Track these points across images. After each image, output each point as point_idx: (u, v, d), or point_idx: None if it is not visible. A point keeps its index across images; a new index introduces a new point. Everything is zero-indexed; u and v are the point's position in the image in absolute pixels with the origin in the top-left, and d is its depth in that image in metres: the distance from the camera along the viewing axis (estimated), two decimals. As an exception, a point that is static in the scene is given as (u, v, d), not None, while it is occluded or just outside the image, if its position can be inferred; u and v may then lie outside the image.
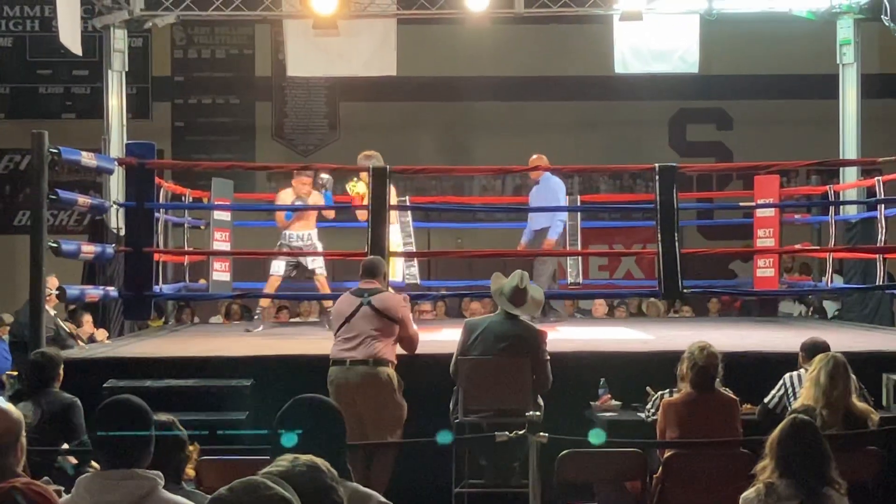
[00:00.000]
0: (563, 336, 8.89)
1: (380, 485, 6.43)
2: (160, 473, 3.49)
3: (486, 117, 16.55)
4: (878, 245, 10.30)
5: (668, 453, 6.06)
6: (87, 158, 8.93)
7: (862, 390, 6.33)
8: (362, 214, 9.99)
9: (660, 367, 6.83)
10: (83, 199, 9.47)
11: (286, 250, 10.33)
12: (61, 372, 6.65)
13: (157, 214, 9.99)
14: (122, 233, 10.23)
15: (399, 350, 7.19)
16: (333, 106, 17.05)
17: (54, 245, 8.23)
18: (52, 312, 9.46)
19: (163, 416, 4.06)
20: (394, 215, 9.50)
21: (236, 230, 11.29)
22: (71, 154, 8.54)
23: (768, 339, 9.14)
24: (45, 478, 4.39)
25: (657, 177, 8.96)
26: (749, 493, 4.36)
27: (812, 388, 5.92)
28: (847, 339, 8.66)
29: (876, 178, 10.73)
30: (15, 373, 8.39)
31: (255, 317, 10.82)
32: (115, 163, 9.86)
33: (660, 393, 6.56)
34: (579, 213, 11.66)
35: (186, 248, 11.70)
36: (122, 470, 3.45)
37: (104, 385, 7.02)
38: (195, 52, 17.09)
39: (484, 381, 6.87)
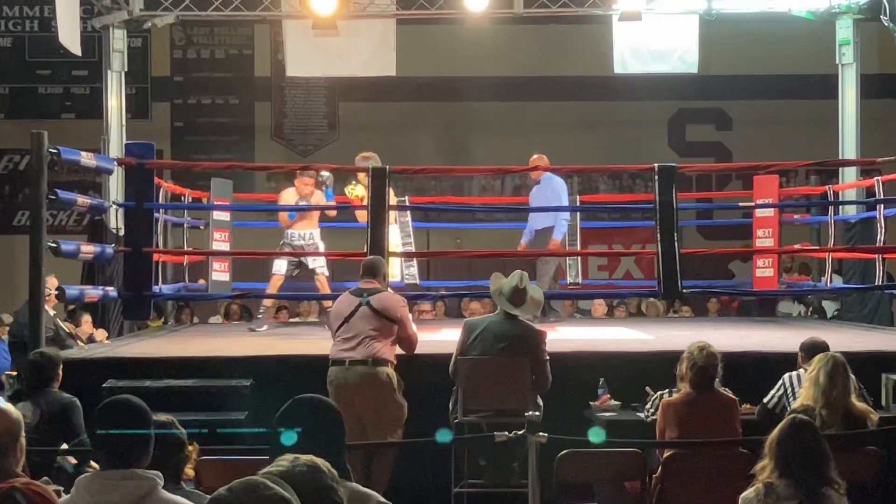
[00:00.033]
0: (563, 336, 8.90)
1: (380, 485, 6.43)
2: (159, 473, 3.49)
3: (485, 117, 16.55)
4: (877, 245, 10.30)
5: (668, 453, 6.06)
6: (87, 158, 8.93)
7: (861, 390, 6.33)
8: (362, 216, 10.01)
9: (659, 367, 6.83)
10: (82, 200, 9.47)
11: (288, 250, 10.35)
12: (60, 372, 6.65)
13: (156, 214, 9.99)
14: (122, 233, 10.22)
15: (398, 350, 7.19)
16: (333, 106, 17.05)
17: (53, 245, 8.23)
18: (52, 313, 9.46)
19: (162, 416, 4.05)
20: (392, 215, 9.50)
21: (236, 230, 11.29)
22: (70, 154, 8.54)
23: (767, 339, 9.14)
24: (45, 478, 4.39)
25: (656, 177, 8.96)
26: (748, 492, 4.36)
27: (811, 388, 5.92)
28: (846, 339, 8.66)
29: (875, 178, 10.73)
30: (14, 373, 8.39)
31: (259, 316, 10.83)
32: (115, 163, 9.86)
33: (659, 393, 6.56)
34: (578, 213, 11.66)
35: (186, 249, 11.69)
36: (122, 470, 3.45)
37: (103, 385, 7.01)
38: (194, 53, 17.09)
39: (483, 381, 6.87)
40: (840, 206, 11.66)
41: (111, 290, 9.48)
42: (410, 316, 7.62)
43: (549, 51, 16.26)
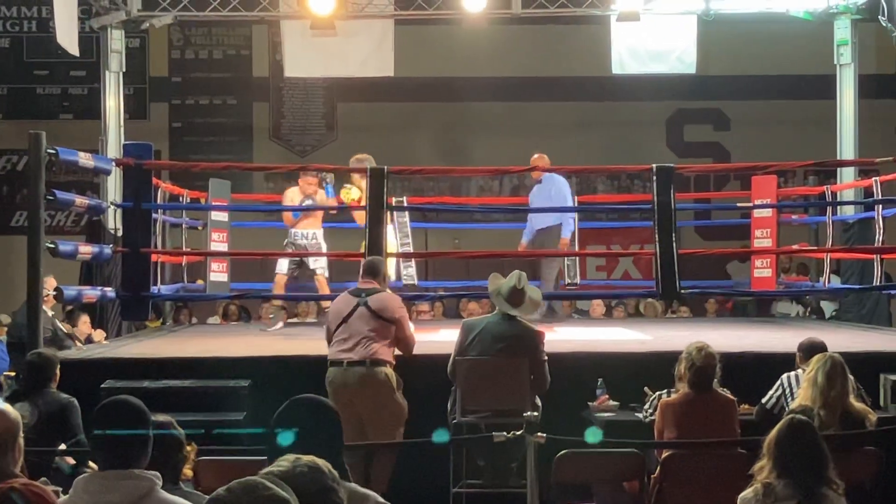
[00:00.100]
0: (561, 336, 8.90)
1: (379, 485, 6.43)
2: (158, 474, 3.49)
3: (483, 118, 16.55)
4: (875, 245, 10.31)
5: (666, 454, 6.06)
6: (85, 159, 8.93)
7: (859, 390, 6.33)
8: (360, 218, 10.02)
9: (658, 367, 6.83)
10: (80, 200, 9.47)
11: (291, 249, 10.39)
12: (58, 372, 6.65)
13: (154, 215, 9.98)
14: (120, 233, 10.24)
15: (397, 351, 7.18)
16: (331, 106, 17.05)
17: (52, 246, 8.22)
18: (50, 313, 9.46)
19: (160, 417, 4.05)
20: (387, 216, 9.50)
21: (234, 231, 11.30)
22: (68, 155, 8.54)
23: (766, 340, 9.14)
24: (43, 478, 4.39)
25: (654, 177, 8.96)
26: (747, 493, 4.36)
27: (810, 389, 5.92)
28: (844, 340, 8.66)
29: (873, 179, 10.73)
30: (13, 373, 8.38)
31: (271, 316, 10.85)
32: (113, 163, 9.85)
33: (658, 393, 6.55)
34: (576, 214, 11.65)
35: (184, 249, 11.69)
36: (120, 470, 3.45)
37: (102, 386, 7.00)
38: (192, 53, 17.08)
39: (482, 382, 6.87)
40: (838, 207, 11.66)
41: (109, 291, 9.47)
42: (409, 318, 7.62)
43: (547, 51, 16.26)
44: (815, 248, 11.89)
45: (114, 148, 11.64)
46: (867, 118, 12.61)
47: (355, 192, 10.12)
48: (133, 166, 9.32)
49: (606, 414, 7.03)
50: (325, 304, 10.13)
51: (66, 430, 6.38)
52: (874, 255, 10.32)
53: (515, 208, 13.41)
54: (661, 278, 8.82)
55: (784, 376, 6.63)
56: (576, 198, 12.70)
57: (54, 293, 8.99)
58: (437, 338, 8.89)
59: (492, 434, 5.97)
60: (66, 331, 9.82)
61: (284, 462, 2.55)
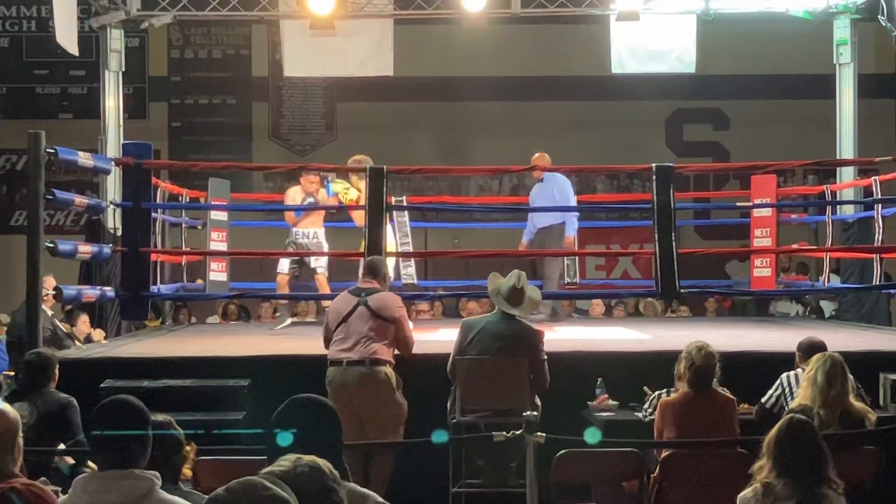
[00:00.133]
0: (561, 336, 8.89)
1: (379, 485, 6.43)
2: (157, 474, 3.49)
3: (483, 117, 16.55)
4: (874, 245, 10.31)
5: (666, 453, 6.06)
6: (84, 158, 8.92)
7: (859, 390, 6.32)
8: (358, 219, 10.06)
9: (657, 366, 6.83)
10: (80, 200, 9.47)
11: (292, 249, 10.41)
12: (57, 372, 6.65)
13: (153, 214, 9.98)
14: (119, 233, 10.23)
15: (396, 351, 7.18)
16: (330, 106, 17.04)
17: (51, 245, 8.22)
18: (50, 313, 9.45)
19: (160, 417, 4.05)
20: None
21: (233, 230, 11.30)
22: (67, 154, 8.53)
23: (765, 339, 9.14)
24: (43, 478, 4.39)
25: (654, 177, 8.96)
26: (746, 492, 4.36)
27: (809, 388, 5.92)
28: (844, 339, 8.66)
29: (873, 178, 10.73)
30: (12, 373, 8.39)
31: (278, 315, 10.87)
32: (112, 163, 9.85)
33: (657, 393, 6.55)
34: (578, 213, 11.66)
35: (183, 249, 11.69)
36: (120, 470, 3.45)
37: (101, 385, 7.00)
38: (192, 53, 17.08)
39: (481, 381, 6.86)
40: (838, 206, 11.66)
41: (109, 290, 9.47)
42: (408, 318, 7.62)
43: (546, 51, 16.26)
44: (815, 247, 11.90)
45: (113, 147, 11.64)
46: (866, 118, 12.61)
47: (353, 192, 10.17)
48: (132, 166, 9.32)
49: (606, 413, 7.03)
50: (326, 303, 10.15)
51: (65, 429, 6.38)
52: (874, 255, 10.32)
53: (515, 208, 13.42)
54: (660, 278, 8.82)
55: (784, 376, 6.63)
56: (575, 197, 12.73)
57: (54, 293, 8.99)
58: (437, 337, 8.89)
59: (491, 434, 5.96)
60: (65, 330, 9.82)
61: (285, 462, 2.55)
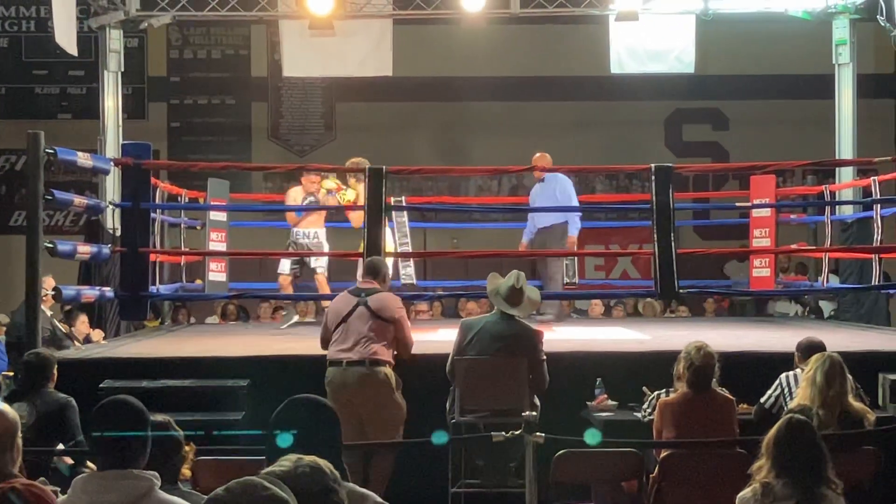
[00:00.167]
0: (560, 336, 8.89)
1: (379, 485, 6.43)
2: (156, 474, 3.50)
3: (482, 117, 16.55)
4: (873, 245, 10.31)
5: (665, 453, 6.06)
6: (83, 159, 8.92)
7: (858, 390, 6.32)
8: (356, 221, 10.08)
9: (656, 367, 6.83)
10: (79, 200, 9.46)
11: (293, 249, 10.42)
12: (55, 372, 6.65)
13: (153, 215, 9.98)
14: (118, 233, 10.23)
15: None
16: (329, 106, 17.04)
17: (50, 245, 8.22)
18: (49, 313, 9.45)
19: (159, 417, 4.06)
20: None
21: (232, 230, 11.30)
22: (67, 154, 8.53)
23: (765, 339, 9.14)
24: (42, 478, 4.39)
25: (653, 177, 8.96)
26: (745, 492, 4.36)
27: (808, 388, 5.92)
28: (843, 339, 8.66)
29: (872, 178, 10.73)
30: (11, 373, 8.38)
31: (284, 313, 10.89)
32: (111, 163, 9.85)
33: (656, 393, 6.55)
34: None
35: (182, 249, 11.69)
36: (119, 470, 3.45)
37: (100, 386, 7.00)
38: (191, 53, 17.08)
39: (480, 382, 6.86)
40: (837, 206, 11.66)
41: (108, 291, 9.47)
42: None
43: (545, 51, 16.26)
44: (814, 247, 11.91)
45: (112, 148, 11.64)
46: (866, 118, 12.61)
47: (350, 193, 10.20)
48: (132, 166, 9.32)
49: (605, 413, 7.03)
50: (325, 303, 10.16)
51: (64, 430, 6.38)
52: (873, 255, 10.32)
53: (514, 208, 13.41)
54: (659, 278, 8.82)
55: (783, 376, 6.63)
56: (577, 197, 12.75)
57: (53, 293, 8.99)
58: (436, 337, 8.88)
59: (490, 434, 5.96)
60: (64, 331, 9.82)
61: (286, 462, 2.55)
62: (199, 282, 11.66)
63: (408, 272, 10.52)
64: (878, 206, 10.41)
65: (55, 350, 8.19)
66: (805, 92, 15.64)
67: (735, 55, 16.08)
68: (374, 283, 7.22)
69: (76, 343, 9.70)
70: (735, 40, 15.34)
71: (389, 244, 9.76)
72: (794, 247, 11.96)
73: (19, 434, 3.72)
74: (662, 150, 16.48)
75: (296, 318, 10.58)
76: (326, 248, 10.50)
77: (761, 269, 11.27)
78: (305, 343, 8.43)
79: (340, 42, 12.39)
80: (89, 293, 9.32)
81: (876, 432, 6.02)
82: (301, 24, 12.18)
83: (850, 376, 6.02)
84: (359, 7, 12.27)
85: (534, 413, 6.49)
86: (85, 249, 9.37)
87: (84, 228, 12.59)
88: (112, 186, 10.99)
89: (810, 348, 6.54)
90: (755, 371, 7.09)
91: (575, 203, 10.98)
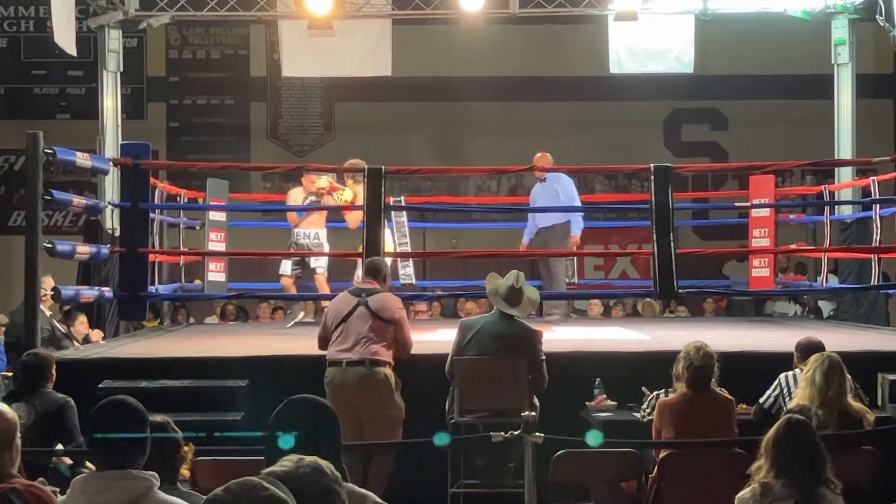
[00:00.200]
0: (559, 336, 8.89)
1: (378, 485, 6.42)
2: (155, 474, 3.50)
3: (481, 118, 16.54)
4: (873, 245, 10.31)
5: (664, 453, 6.06)
6: (82, 159, 8.92)
7: (857, 390, 6.32)
8: (352, 221, 10.09)
9: (655, 367, 6.83)
10: (78, 200, 9.46)
11: (294, 249, 10.43)
12: (54, 372, 6.65)
13: (152, 215, 9.98)
14: (118, 233, 10.23)
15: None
16: (328, 106, 17.04)
17: (49, 246, 8.22)
18: (48, 313, 9.45)
19: (158, 417, 4.06)
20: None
21: (231, 231, 11.30)
22: (66, 154, 8.53)
23: (764, 340, 9.14)
24: (41, 479, 4.39)
25: (652, 177, 8.96)
26: (744, 493, 4.36)
27: (807, 388, 5.92)
28: (842, 339, 8.66)
29: (871, 178, 10.73)
30: (10, 374, 8.38)
31: (289, 312, 10.90)
32: (110, 163, 9.85)
33: (655, 393, 6.56)
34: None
35: (182, 249, 11.69)
36: (118, 470, 3.45)
37: (99, 386, 7.00)
38: (190, 53, 17.07)
39: (480, 382, 6.86)
40: (836, 206, 11.67)
41: (107, 291, 9.48)
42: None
43: (544, 51, 16.26)
44: (813, 247, 11.91)
45: (111, 148, 11.63)
46: (865, 118, 12.61)
47: (348, 193, 10.20)
48: (130, 166, 9.32)
49: (604, 414, 7.02)
50: (325, 303, 10.16)
51: (62, 430, 6.38)
52: (872, 255, 10.32)
53: (513, 208, 13.42)
54: (658, 278, 8.82)
55: (782, 376, 6.63)
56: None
57: (52, 293, 8.99)
58: (435, 337, 8.89)
59: (490, 434, 5.96)
60: (63, 331, 9.82)
61: (287, 462, 2.55)
62: (198, 282, 11.66)
63: (407, 272, 10.52)
64: (877, 206, 10.42)
65: (54, 350, 8.19)
66: (804, 92, 15.64)
67: (734, 55, 16.07)
68: (375, 283, 7.22)
69: (75, 343, 9.70)
70: (734, 40, 15.34)
71: (388, 244, 9.76)
72: (793, 247, 11.97)
73: (18, 434, 3.72)
74: (661, 150, 16.48)
75: (301, 315, 10.59)
76: (327, 249, 10.50)
77: (760, 269, 11.27)
78: (304, 343, 8.42)
79: (339, 42, 12.39)
80: (88, 293, 9.32)
81: (875, 432, 6.02)
82: (300, 24, 12.18)
83: (849, 376, 6.02)
84: (358, 7, 12.27)
85: (533, 413, 6.49)
86: (84, 249, 9.37)
87: (83, 228, 12.58)
88: (111, 186, 10.99)
89: (809, 348, 6.54)
90: (754, 371, 7.09)
91: (578, 203, 10.98)
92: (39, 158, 8.04)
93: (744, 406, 6.63)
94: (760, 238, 11.21)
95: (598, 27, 12.99)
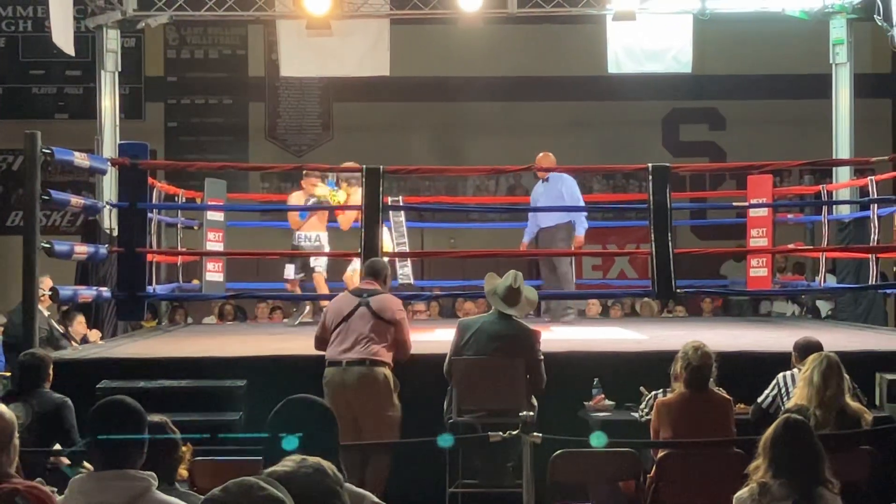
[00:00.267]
0: (557, 336, 8.89)
1: (377, 485, 6.42)
2: (153, 474, 3.50)
3: (479, 117, 16.54)
4: (870, 245, 10.32)
5: (662, 453, 6.06)
6: (80, 159, 8.92)
7: (855, 390, 6.33)
8: (344, 223, 10.11)
9: (653, 366, 6.83)
10: (76, 200, 9.46)
11: (293, 251, 10.47)
12: (51, 372, 6.65)
13: (150, 215, 9.98)
14: (115, 233, 10.22)
15: (393, 353, 7.18)
16: (327, 106, 17.04)
17: (47, 246, 8.21)
18: (46, 313, 9.45)
19: (156, 417, 4.05)
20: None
21: (230, 230, 11.29)
22: (64, 154, 8.53)
23: (762, 339, 9.14)
24: (39, 479, 4.39)
25: (650, 177, 8.97)
26: (742, 492, 4.36)
27: (805, 388, 5.92)
28: (840, 339, 8.66)
29: (869, 178, 10.74)
30: (8, 374, 8.38)
31: (294, 310, 10.94)
32: (108, 163, 9.85)
33: (653, 393, 6.56)
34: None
35: (180, 249, 11.69)
36: (116, 471, 3.45)
37: (97, 386, 6.99)
38: (188, 53, 17.07)
39: (478, 382, 6.86)
40: (834, 206, 11.67)
41: (105, 291, 9.47)
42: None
43: (543, 51, 16.26)
44: (811, 247, 11.90)
45: (109, 148, 11.63)
46: (863, 117, 12.61)
47: (342, 195, 10.23)
48: (129, 166, 9.32)
49: (602, 413, 7.02)
50: (324, 303, 10.17)
51: (60, 430, 6.38)
52: (870, 255, 10.33)
53: (512, 208, 13.43)
54: (656, 278, 8.83)
55: (780, 376, 6.63)
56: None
57: (50, 293, 8.98)
58: (434, 337, 8.89)
59: (488, 434, 5.96)
60: (61, 331, 9.81)
61: (289, 462, 2.55)
62: (196, 282, 11.65)
63: (405, 272, 10.52)
64: (875, 205, 10.42)
65: (52, 350, 8.19)
66: (802, 92, 15.65)
67: (732, 55, 16.08)
68: (376, 283, 7.23)
69: (73, 343, 9.70)
70: (732, 40, 15.35)
71: (387, 244, 9.77)
72: (791, 246, 11.97)
73: (16, 434, 3.72)
74: (660, 150, 16.49)
75: (308, 310, 10.62)
76: (327, 251, 10.50)
77: (758, 269, 11.28)
78: (303, 343, 8.43)
79: (337, 42, 12.39)
80: (86, 293, 9.32)
81: (873, 432, 6.02)
82: (298, 23, 12.18)
83: (847, 376, 6.02)
84: (356, 7, 12.27)
85: (531, 413, 6.47)
86: (82, 249, 9.37)
87: (81, 228, 12.58)
88: (109, 186, 10.99)
89: (807, 348, 6.54)
90: (752, 371, 7.09)
91: (581, 203, 10.96)
92: (37, 158, 8.04)
93: (742, 406, 6.63)
94: (758, 238, 11.21)
95: (597, 27, 13.00)
